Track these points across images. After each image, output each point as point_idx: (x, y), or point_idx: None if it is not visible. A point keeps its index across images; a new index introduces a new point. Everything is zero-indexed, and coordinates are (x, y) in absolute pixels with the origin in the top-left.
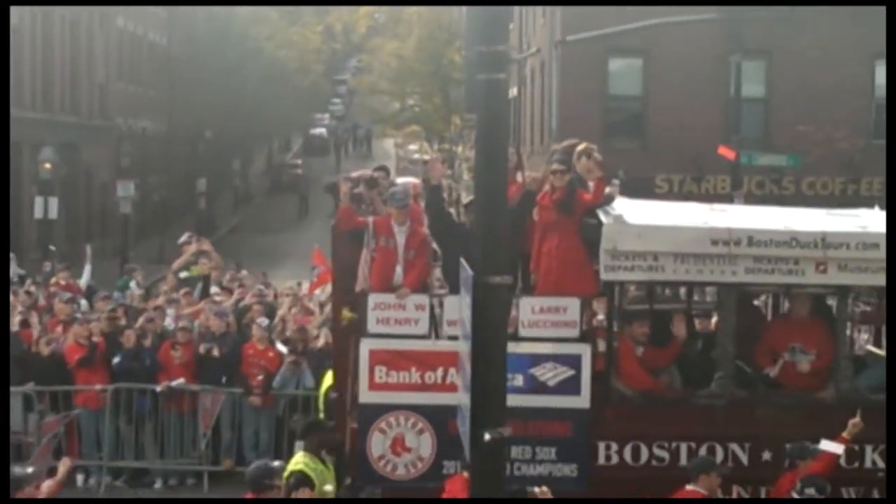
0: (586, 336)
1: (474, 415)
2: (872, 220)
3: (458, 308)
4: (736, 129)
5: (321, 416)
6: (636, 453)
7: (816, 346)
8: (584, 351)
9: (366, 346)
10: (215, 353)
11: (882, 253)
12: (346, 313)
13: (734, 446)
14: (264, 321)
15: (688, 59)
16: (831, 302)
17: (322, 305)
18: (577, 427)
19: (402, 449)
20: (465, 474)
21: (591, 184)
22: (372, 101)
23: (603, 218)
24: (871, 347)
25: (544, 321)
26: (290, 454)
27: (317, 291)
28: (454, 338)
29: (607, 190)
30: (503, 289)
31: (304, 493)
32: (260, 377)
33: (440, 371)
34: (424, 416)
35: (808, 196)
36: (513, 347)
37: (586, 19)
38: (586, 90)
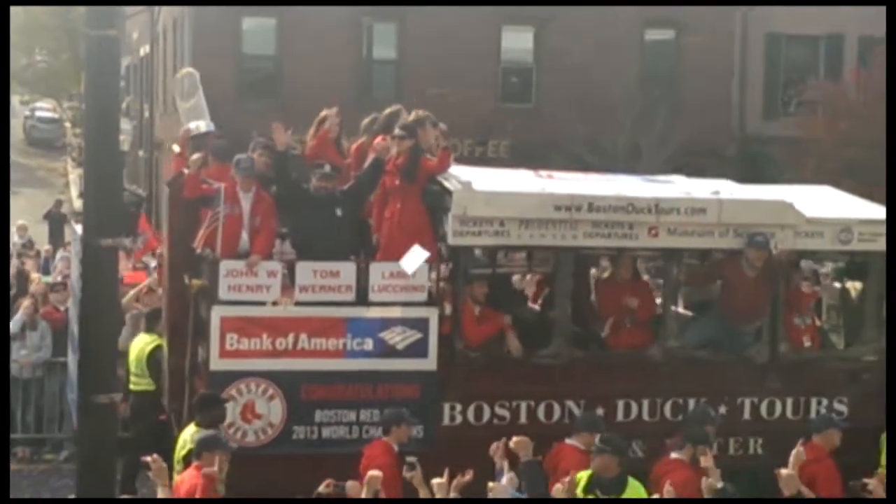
0: (433, 300)
1: (83, 379)
2: (693, 187)
3: (309, 274)
4: (368, 90)
5: (138, 379)
6: (479, 413)
7: (642, 305)
8: (432, 314)
9: (217, 314)
10: None
11: (708, 217)
12: (196, 281)
13: (570, 403)
14: None
15: (322, 20)
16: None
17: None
18: (425, 389)
19: (253, 416)
20: (385, 438)
21: (437, 151)
22: None
23: (448, 184)
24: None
25: (393, 286)
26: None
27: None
28: (306, 304)
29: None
30: (112, 251)
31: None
32: None
33: (291, 337)
34: (275, 382)
35: None
36: (362, 312)
37: None
38: (219, 49)
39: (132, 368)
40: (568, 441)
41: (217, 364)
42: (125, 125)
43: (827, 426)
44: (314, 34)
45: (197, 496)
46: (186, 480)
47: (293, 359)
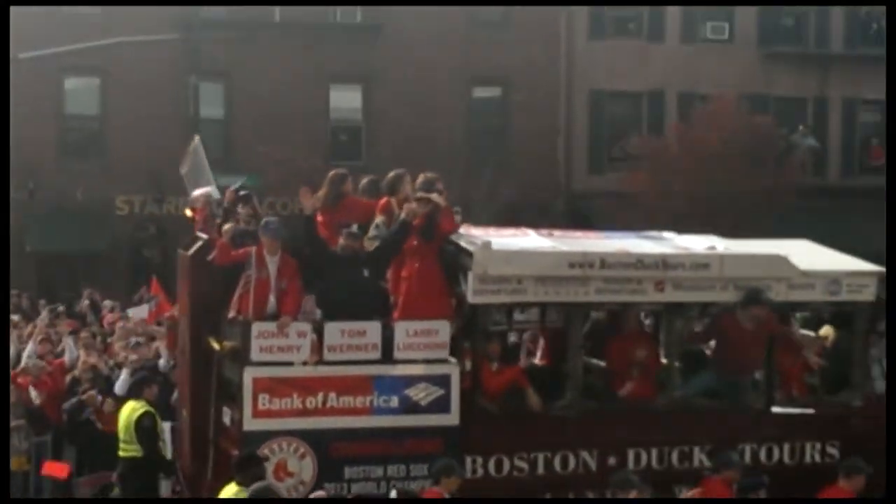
0: (455, 356)
1: None
2: (687, 242)
3: (337, 334)
4: None
5: (127, 446)
6: (499, 465)
7: (648, 357)
8: (453, 371)
9: (249, 374)
10: None
11: (711, 272)
12: (226, 343)
13: (584, 454)
14: None
15: (147, 78)
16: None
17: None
18: (448, 443)
19: (285, 474)
20: (436, 488)
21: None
22: None
23: (466, 245)
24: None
25: (417, 343)
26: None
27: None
28: (334, 363)
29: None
30: None
31: None
32: None
33: (320, 395)
34: (306, 440)
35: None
36: (388, 370)
37: (39, 37)
38: (42, 110)
39: (121, 435)
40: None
41: (250, 424)
42: None
43: (855, 472)
44: (139, 93)
45: None
46: None
47: (323, 417)
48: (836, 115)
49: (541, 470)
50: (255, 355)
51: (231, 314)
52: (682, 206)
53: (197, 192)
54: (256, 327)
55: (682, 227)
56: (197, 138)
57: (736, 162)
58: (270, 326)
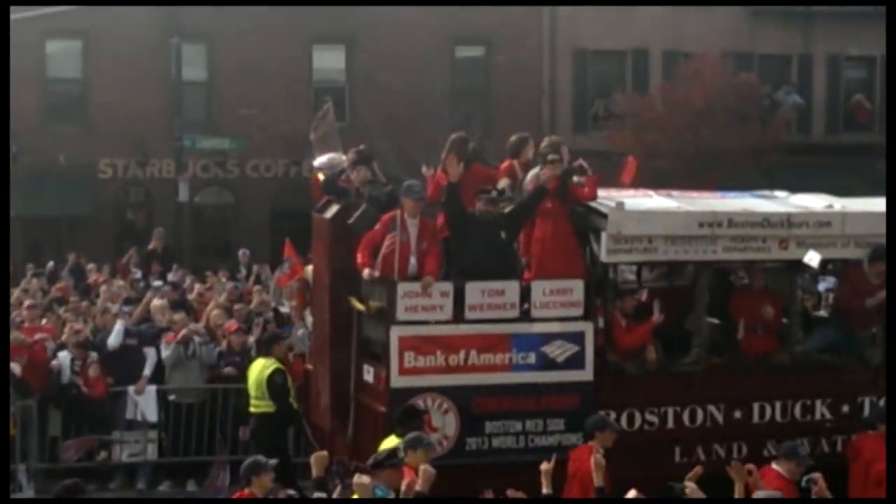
0: (588, 314)
1: None
2: (803, 201)
3: (478, 293)
4: (178, 112)
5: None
6: (630, 419)
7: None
8: (587, 328)
9: (395, 333)
10: None
11: (833, 229)
12: (372, 303)
13: (711, 408)
14: None
15: (128, 41)
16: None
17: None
18: (583, 399)
19: (430, 429)
20: (591, 443)
21: (586, 179)
22: None
23: (600, 206)
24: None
25: (553, 302)
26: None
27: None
28: (476, 321)
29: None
30: None
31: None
32: None
33: (462, 353)
34: (449, 396)
35: (253, 178)
36: (527, 328)
37: None
38: (24, 73)
39: (252, 392)
40: (774, 465)
41: (397, 381)
42: None
43: None
44: (121, 56)
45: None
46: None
47: (464, 374)
48: (820, 72)
49: (670, 424)
50: (400, 314)
51: (375, 274)
52: (667, 164)
53: (324, 158)
54: (402, 287)
55: (667, 186)
56: (329, 103)
57: (721, 120)
58: (415, 287)
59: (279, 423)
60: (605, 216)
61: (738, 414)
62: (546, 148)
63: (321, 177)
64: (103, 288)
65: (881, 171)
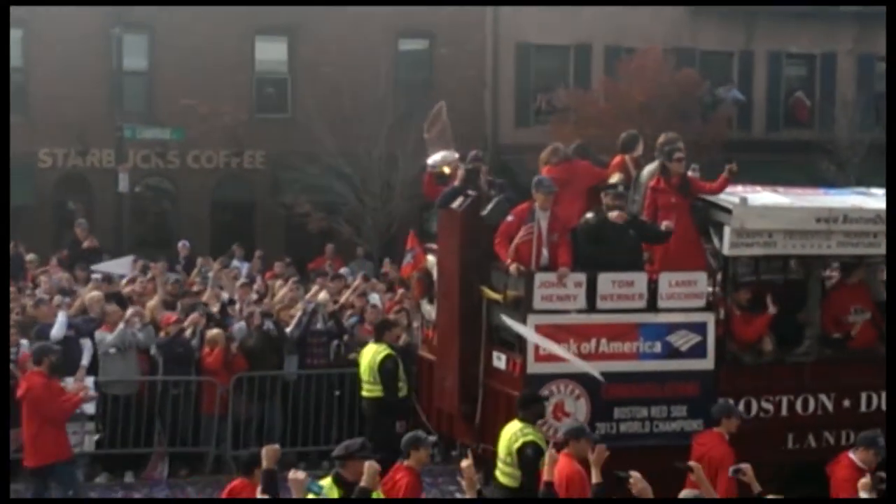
0: (710, 305)
1: None
2: None
3: (609, 284)
4: (119, 102)
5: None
6: (748, 407)
7: (869, 307)
8: (709, 319)
9: (532, 322)
10: None
11: None
12: (509, 292)
13: (822, 397)
14: None
15: (69, 31)
16: None
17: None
18: (703, 387)
19: (562, 414)
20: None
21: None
22: None
23: (721, 201)
24: None
25: (678, 293)
26: None
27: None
28: (607, 311)
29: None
30: None
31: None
32: None
33: (593, 341)
34: (581, 382)
35: (194, 169)
36: (653, 318)
37: None
38: None
39: (364, 376)
40: (850, 454)
41: (532, 368)
42: None
43: None
44: (62, 45)
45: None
46: (564, 467)
47: (595, 361)
48: (761, 69)
49: (784, 412)
50: (537, 303)
51: (521, 269)
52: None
53: (438, 156)
54: (539, 278)
55: None
56: (442, 103)
57: (662, 115)
58: (551, 276)
59: (388, 408)
60: (727, 211)
61: (846, 403)
62: (666, 144)
63: (446, 171)
64: (43, 279)
65: (821, 168)
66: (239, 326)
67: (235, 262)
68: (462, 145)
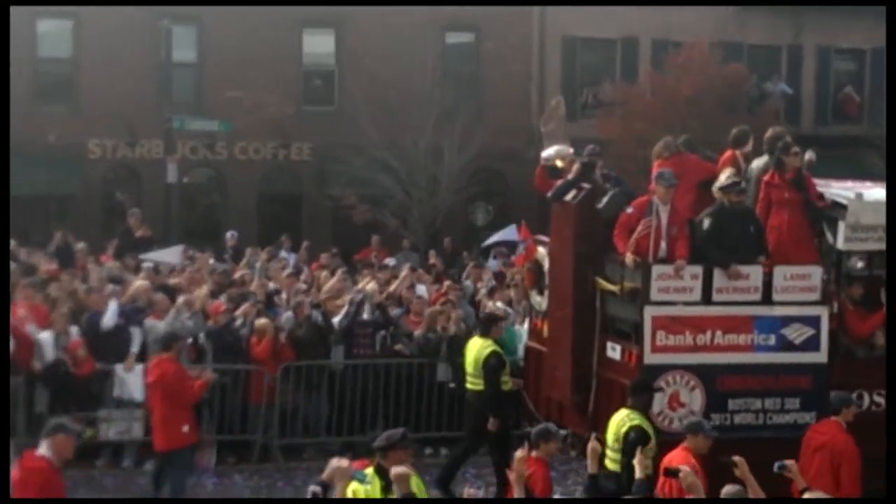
0: (824, 299)
1: None
2: None
3: (724, 277)
4: (168, 93)
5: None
6: (860, 400)
7: None
8: (823, 312)
9: (649, 313)
10: None
11: None
12: (626, 283)
13: None
14: None
15: (119, 22)
16: None
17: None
18: (816, 380)
19: (678, 404)
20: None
21: None
22: None
23: (835, 196)
24: None
25: (793, 287)
26: None
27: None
28: (722, 304)
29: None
30: None
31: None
32: None
33: (709, 333)
34: (696, 374)
35: (241, 160)
36: (768, 311)
37: None
38: (14, 53)
39: (469, 369)
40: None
41: (650, 358)
42: None
43: None
44: (112, 37)
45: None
46: (676, 457)
47: (710, 353)
48: (810, 63)
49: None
50: (654, 295)
51: (638, 260)
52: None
53: (552, 150)
54: (656, 270)
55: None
56: (560, 98)
57: (709, 109)
58: (668, 269)
59: (487, 401)
60: (842, 206)
61: None
62: (778, 139)
63: (560, 164)
64: (93, 268)
65: (869, 163)
66: (287, 316)
67: (283, 253)
68: (508, 138)
